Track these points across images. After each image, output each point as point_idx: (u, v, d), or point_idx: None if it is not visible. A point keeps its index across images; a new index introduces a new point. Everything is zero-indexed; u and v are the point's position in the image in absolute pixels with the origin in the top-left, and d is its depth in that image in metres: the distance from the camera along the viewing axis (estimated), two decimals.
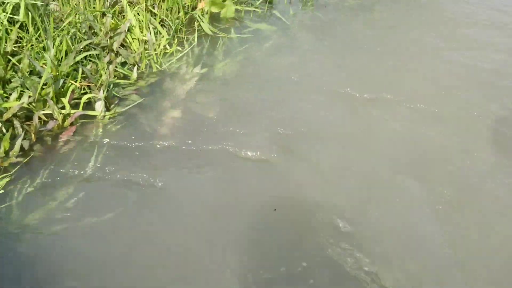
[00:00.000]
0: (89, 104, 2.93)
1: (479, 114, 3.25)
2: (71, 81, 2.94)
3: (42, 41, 3.04)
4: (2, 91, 2.72)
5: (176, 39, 3.70)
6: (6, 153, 2.51)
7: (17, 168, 2.47)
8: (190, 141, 2.79)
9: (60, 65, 2.95)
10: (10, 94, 2.73)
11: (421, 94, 3.37)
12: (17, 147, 2.55)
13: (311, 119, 3.08)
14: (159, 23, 3.70)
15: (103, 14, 3.50)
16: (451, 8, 4.74)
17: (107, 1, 3.63)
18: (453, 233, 2.35)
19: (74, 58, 2.99)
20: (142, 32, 3.51)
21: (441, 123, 3.13)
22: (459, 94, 3.42)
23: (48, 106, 2.75)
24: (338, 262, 2.16)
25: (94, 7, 3.48)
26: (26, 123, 2.73)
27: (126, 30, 3.43)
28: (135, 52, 3.40)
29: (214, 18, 4.08)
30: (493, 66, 3.82)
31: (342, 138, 2.94)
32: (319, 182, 2.61)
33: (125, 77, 3.23)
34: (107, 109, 2.94)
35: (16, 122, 2.63)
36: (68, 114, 2.79)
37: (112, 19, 3.46)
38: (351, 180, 2.63)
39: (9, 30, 2.98)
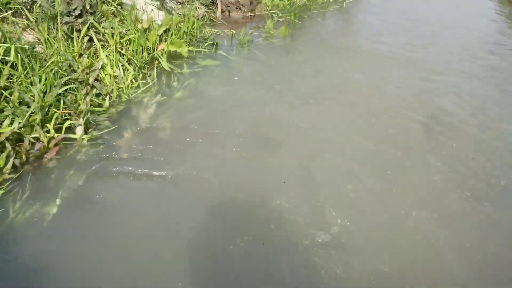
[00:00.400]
0: (70, 129, 2.98)
1: (393, 111, 3.70)
2: (54, 109, 2.99)
3: (30, 77, 3.06)
4: None
5: (141, 74, 3.80)
6: (1, 170, 2.53)
7: (9, 182, 2.51)
8: (150, 152, 2.92)
9: (45, 96, 2.98)
10: (3, 121, 2.75)
11: (340, 100, 3.69)
12: (9, 164, 2.59)
13: (250, 124, 3.35)
14: (127, 61, 3.79)
15: (80, 55, 3.54)
16: (358, 46, 5.09)
17: (84, 44, 3.67)
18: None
19: (57, 91, 3.03)
20: (112, 69, 3.59)
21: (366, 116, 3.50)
22: (370, 100, 3.79)
23: (35, 131, 2.79)
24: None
25: (73, 49, 3.52)
26: (17, 145, 2.74)
27: (100, 67, 3.49)
28: (107, 85, 3.48)
29: (172, 56, 4.21)
30: (397, 81, 4.25)
31: (281, 128, 3.24)
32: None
33: (99, 105, 3.30)
34: (85, 132, 3.01)
35: (8, 145, 2.65)
36: (53, 137, 2.84)
37: (87, 58, 3.52)
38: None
39: (1, 69, 2.97)
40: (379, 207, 2.67)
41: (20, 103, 2.92)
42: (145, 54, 3.93)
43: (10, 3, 3.44)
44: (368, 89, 4.06)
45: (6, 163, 2.58)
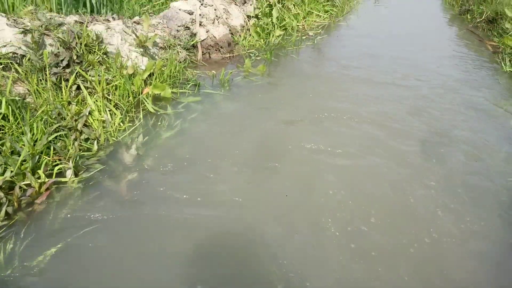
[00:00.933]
0: (61, 173, 3.03)
1: (373, 118, 3.75)
2: (45, 156, 3.04)
3: (21, 127, 3.12)
4: None
5: (128, 117, 3.89)
6: None
7: (3, 230, 2.52)
8: (139, 190, 2.98)
9: (35, 144, 3.04)
10: None
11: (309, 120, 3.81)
12: (2, 213, 2.61)
13: (236, 154, 3.41)
14: (114, 106, 3.89)
15: (69, 103, 3.63)
16: (330, 74, 5.29)
17: (72, 92, 3.78)
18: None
19: (47, 138, 3.10)
20: (100, 114, 3.68)
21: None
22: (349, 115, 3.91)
23: (27, 178, 2.83)
24: None
25: (61, 98, 3.62)
26: (9, 192, 2.77)
27: (87, 113, 3.58)
28: (96, 129, 3.55)
29: (157, 99, 4.33)
30: (370, 95, 4.41)
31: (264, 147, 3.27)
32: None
33: (88, 149, 3.36)
34: (76, 175, 3.06)
35: (1, 193, 2.68)
36: (44, 182, 2.88)
37: (76, 106, 3.60)
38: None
39: None
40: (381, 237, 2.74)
41: (12, 153, 2.96)
42: (131, 98, 4.05)
43: (0, 58, 3.55)
44: (346, 108, 4.32)
45: None
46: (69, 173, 2.99)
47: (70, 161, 3.04)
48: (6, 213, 2.64)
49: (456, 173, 3.36)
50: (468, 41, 7.09)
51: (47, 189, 2.87)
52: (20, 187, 2.79)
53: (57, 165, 3.06)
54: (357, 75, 5.30)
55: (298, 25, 7.06)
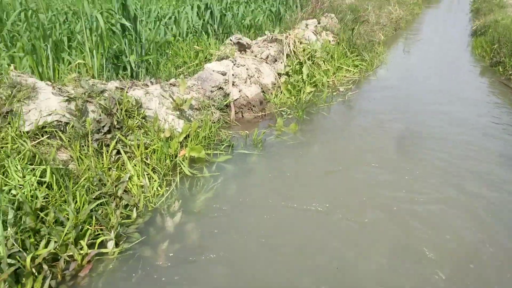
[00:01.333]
0: (102, 243, 3.08)
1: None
2: (87, 226, 3.11)
3: (64, 195, 3.23)
4: (33, 240, 2.85)
5: (165, 182, 3.97)
6: None
7: None
8: (181, 263, 2.99)
9: (78, 214, 3.12)
10: (40, 242, 2.85)
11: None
12: (46, 286, 2.63)
13: (276, 220, 3.44)
14: (151, 170, 3.99)
15: (109, 168, 3.76)
16: (363, 131, 5.31)
17: (112, 157, 3.92)
18: None
19: (90, 207, 3.18)
20: (139, 179, 3.78)
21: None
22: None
23: (70, 249, 2.88)
24: None
25: (102, 163, 3.75)
26: (52, 264, 2.82)
27: (127, 179, 3.68)
28: (135, 195, 3.63)
29: (192, 160, 4.43)
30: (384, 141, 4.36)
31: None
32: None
33: (128, 216, 3.42)
34: (116, 245, 3.09)
35: (45, 266, 2.73)
36: (86, 254, 2.92)
37: (116, 171, 3.72)
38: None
39: (38, 190, 3.15)
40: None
41: (55, 221, 3.05)
42: (168, 161, 4.15)
43: (45, 127, 3.75)
44: (386, 158, 4.60)
45: (42, 285, 2.64)
46: (111, 244, 3.04)
47: (112, 231, 3.09)
48: (50, 286, 2.66)
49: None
50: (501, 94, 7.06)
51: (89, 261, 2.90)
52: (64, 259, 2.83)
53: (98, 235, 3.11)
54: (390, 128, 5.43)
55: (328, 81, 7.22)
